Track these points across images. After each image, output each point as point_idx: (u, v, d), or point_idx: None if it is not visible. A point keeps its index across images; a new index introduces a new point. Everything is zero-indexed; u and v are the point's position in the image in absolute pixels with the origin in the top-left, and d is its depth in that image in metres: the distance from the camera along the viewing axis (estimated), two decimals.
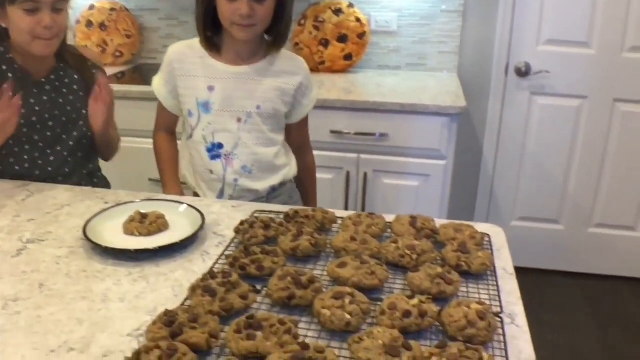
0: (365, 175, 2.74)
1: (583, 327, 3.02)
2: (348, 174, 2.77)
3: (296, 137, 2.02)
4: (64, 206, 1.68)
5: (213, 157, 1.85)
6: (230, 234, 1.50)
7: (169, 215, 1.57)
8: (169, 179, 2.00)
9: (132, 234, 1.50)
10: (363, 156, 2.74)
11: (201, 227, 1.50)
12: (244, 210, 1.66)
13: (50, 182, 1.86)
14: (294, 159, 2.00)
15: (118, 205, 1.63)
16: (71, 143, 1.92)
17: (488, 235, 1.48)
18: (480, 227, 1.53)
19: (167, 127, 2.01)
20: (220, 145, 1.84)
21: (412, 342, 1.02)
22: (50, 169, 1.89)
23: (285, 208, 1.62)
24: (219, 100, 1.81)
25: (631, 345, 2.87)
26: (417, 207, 2.72)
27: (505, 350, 1.06)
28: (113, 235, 1.49)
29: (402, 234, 1.42)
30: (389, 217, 1.53)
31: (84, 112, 1.91)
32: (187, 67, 1.83)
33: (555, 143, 3.23)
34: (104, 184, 2.09)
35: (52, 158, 1.89)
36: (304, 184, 2.09)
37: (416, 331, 1.10)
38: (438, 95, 2.76)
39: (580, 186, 3.28)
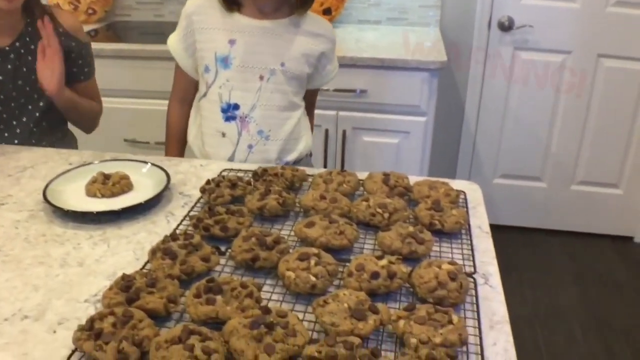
0: (344, 132, 2.68)
1: (564, 284, 3.01)
2: (327, 131, 2.70)
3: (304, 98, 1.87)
4: (27, 168, 1.61)
5: (227, 119, 1.71)
6: (198, 194, 1.44)
7: (133, 175, 1.50)
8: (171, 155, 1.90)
9: (94, 195, 1.44)
10: (342, 113, 2.67)
11: (166, 187, 1.44)
12: (213, 170, 1.60)
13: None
14: (310, 131, 1.89)
15: (81, 166, 1.56)
16: (37, 114, 1.82)
17: (464, 192, 1.43)
18: (457, 184, 1.48)
19: (183, 95, 1.84)
20: (236, 106, 1.70)
21: (380, 305, 0.97)
22: (16, 141, 1.79)
23: (254, 166, 1.56)
24: (240, 55, 1.67)
25: (612, 303, 2.87)
26: (398, 165, 2.67)
27: (477, 312, 1.02)
28: (75, 197, 1.43)
29: (375, 191, 1.37)
30: (362, 175, 1.47)
31: None
32: (207, 20, 1.69)
33: (539, 99, 3.18)
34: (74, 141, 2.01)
35: (17, 130, 1.79)
36: None
37: (385, 293, 1.05)
38: (418, 50, 2.69)
39: (563, 143, 3.24)
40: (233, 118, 1.71)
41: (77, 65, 1.85)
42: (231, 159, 1.74)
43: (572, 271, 3.12)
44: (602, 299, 2.90)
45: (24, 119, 1.81)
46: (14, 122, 1.79)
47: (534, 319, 2.75)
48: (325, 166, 2.76)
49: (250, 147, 1.72)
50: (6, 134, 1.79)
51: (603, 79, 3.08)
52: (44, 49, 1.68)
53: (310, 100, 1.90)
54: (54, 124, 1.90)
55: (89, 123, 2.00)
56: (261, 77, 1.68)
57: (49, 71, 1.70)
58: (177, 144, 1.89)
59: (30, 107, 1.81)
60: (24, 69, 1.77)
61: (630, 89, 3.08)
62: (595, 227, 3.42)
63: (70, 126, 2.01)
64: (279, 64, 1.68)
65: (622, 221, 3.38)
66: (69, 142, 1.99)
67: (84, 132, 2.03)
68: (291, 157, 1.79)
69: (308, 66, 1.73)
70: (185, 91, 1.84)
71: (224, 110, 1.71)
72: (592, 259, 3.24)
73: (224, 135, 1.72)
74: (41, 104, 1.82)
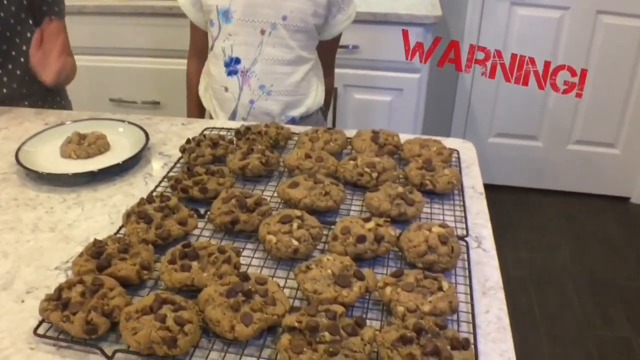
0: (336, 90, 2.60)
1: (560, 245, 2.98)
2: None
3: (320, 55, 1.80)
4: (0, 130, 1.54)
5: (230, 73, 1.67)
6: (178, 154, 1.37)
7: (110, 135, 1.44)
8: (191, 114, 1.89)
9: (69, 156, 1.38)
10: (336, 70, 2.58)
11: (145, 147, 1.37)
12: (195, 128, 1.53)
13: (9, 106, 1.69)
14: (323, 85, 1.82)
15: (56, 126, 1.49)
16: (22, 59, 1.71)
17: (457, 151, 1.37)
18: (450, 142, 1.42)
19: (199, 49, 1.81)
20: (237, 60, 1.65)
21: (365, 271, 0.92)
22: (4, 90, 1.69)
23: (237, 124, 1.49)
24: (240, 9, 1.61)
25: (608, 264, 2.84)
26: (391, 123, 2.60)
27: (469, 277, 0.96)
28: (49, 159, 1.37)
29: (363, 150, 1.30)
30: (350, 133, 1.40)
31: (27, 20, 1.70)
32: None
33: (536, 56, 3.08)
34: (68, 102, 1.92)
35: (5, 79, 1.68)
36: None
37: (371, 258, 1.00)
38: (412, 4, 2.59)
39: (559, 102, 3.17)
40: (235, 72, 1.67)
41: (47, 3, 1.74)
42: (233, 114, 1.71)
43: (568, 232, 3.08)
44: (598, 260, 2.87)
45: (10, 66, 1.69)
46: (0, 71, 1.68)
47: (528, 280, 2.71)
48: None
49: (251, 102, 1.68)
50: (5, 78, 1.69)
51: (602, 36, 2.99)
52: (40, 40, 1.60)
53: (324, 57, 1.83)
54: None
55: (68, 82, 1.89)
56: (262, 31, 1.62)
57: (45, 65, 1.62)
58: (196, 99, 1.87)
59: (13, 52, 1.69)
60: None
61: (629, 46, 2.99)
62: (591, 187, 3.36)
63: None
64: (280, 18, 1.61)
65: (618, 181, 3.33)
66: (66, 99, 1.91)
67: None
68: (296, 112, 1.72)
69: (315, 17, 1.64)
70: (201, 45, 1.79)
71: (226, 65, 1.67)
72: (588, 219, 3.19)
73: (226, 89, 1.69)
74: (24, 47, 1.70)
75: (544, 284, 2.71)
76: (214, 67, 1.70)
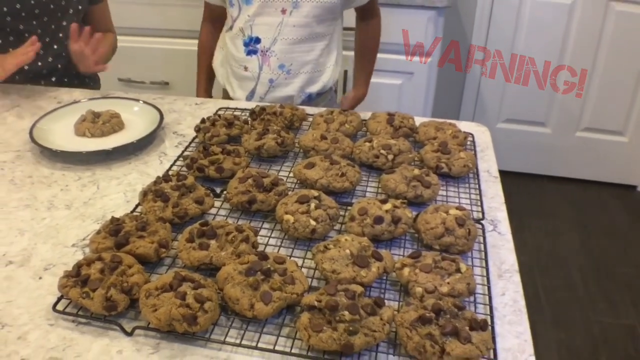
0: (345, 73, 2.59)
1: (566, 232, 2.97)
2: None
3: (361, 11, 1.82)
4: (14, 107, 1.54)
5: (249, 53, 1.67)
6: (192, 133, 1.37)
7: (124, 114, 1.44)
8: (200, 81, 1.89)
9: (83, 135, 1.38)
10: (343, 53, 2.57)
11: (159, 126, 1.37)
12: (209, 108, 1.53)
13: (40, 80, 1.69)
14: (340, 58, 1.82)
15: (70, 104, 1.49)
16: (61, 35, 1.70)
17: (472, 134, 1.36)
18: (464, 126, 1.42)
19: (214, 19, 1.83)
20: (257, 40, 1.65)
21: (383, 252, 0.92)
22: (40, 63, 1.68)
23: (252, 105, 1.49)
24: None
25: (613, 251, 2.83)
26: (400, 107, 2.58)
27: (486, 260, 0.96)
28: (63, 137, 1.37)
29: (378, 132, 1.30)
30: (365, 115, 1.40)
31: None
32: None
33: (546, 42, 3.07)
34: (95, 83, 1.91)
35: (41, 52, 1.66)
36: (361, 58, 1.92)
37: (388, 239, 1.00)
38: None
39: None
40: (254, 52, 1.67)
41: None
42: (252, 93, 1.71)
43: (574, 219, 3.08)
44: (604, 247, 2.86)
45: (47, 39, 1.68)
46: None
47: (534, 266, 2.72)
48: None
49: (271, 81, 1.68)
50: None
51: (613, 24, 2.96)
52: (76, 30, 1.57)
53: (368, 5, 1.81)
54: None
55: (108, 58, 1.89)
56: (283, 11, 1.61)
57: (83, 58, 1.62)
58: (207, 70, 1.87)
59: (53, 26, 1.69)
60: None
61: None
62: (598, 174, 3.35)
63: None
64: None
65: (626, 170, 3.31)
66: (94, 79, 1.92)
67: None
68: (314, 88, 1.73)
69: None
70: (217, 15, 1.80)
71: (245, 44, 1.67)
72: (595, 207, 3.19)
73: (246, 69, 1.69)
74: (64, 23, 1.69)
75: (549, 270, 2.71)
76: (232, 46, 1.70)
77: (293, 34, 1.63)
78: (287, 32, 1.62)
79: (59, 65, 1.72)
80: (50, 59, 1.70)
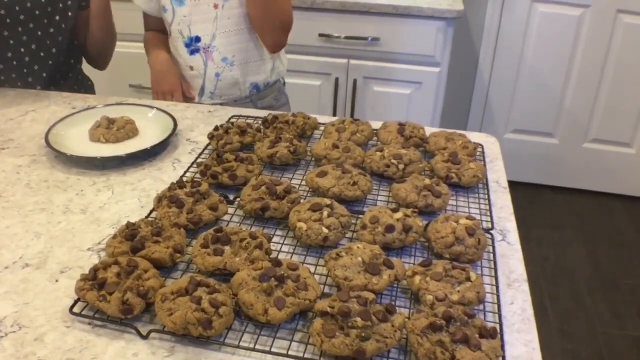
0: (355, 82, 2.61)
1: (573, 243, 2.98)
2: (337, 80, 2.63)
3: None
4: (28, 112, 1.56)
5: (192, 52, 1.73)
6: (205, 140, 1.39)
7: (139, 120, 1.45)
8: (153, 50, 1.83)
9: (98, 140, 1.39)
10: (353, 61, 2.60)
11: (173, 133, 1.39)
12: (221, 116, 1.55)
13: (26, 88, 1.70)
14: (284, 55, 1.88)
15: (85, 110, 1.51)
16: (48, 42, 1.69)
17: (481, 145, 1.38)
18: (474, 136, 1.43)
19: (152, 29, 1.87)
20: (197, 39, 1.71)
21: (394, 260, 0.93)
22: (25, 70, 1.68)
23: (264, 113, 1.51)
24: None
25: (620, 263, 2.84)
26: (409, 116, 2.61)
27: (495, 269, 0.98)
28: (78, 142, 1.39)
29: (389, 142, 1.31)
30: (376, 124, 1.42)
31: (61, 4, 1.68)
32: None
33: (554, 53, 3.08)
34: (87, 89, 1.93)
35: (27, 59, 1.67)
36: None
37: (399, 247, 1.01)
38: None
39: (577, 99, 3.16)
40: (197, 50, 1.73)
41: None
42: (202, 90, 1.77)
43: (581, 230, 3.09)
44: (610, 259, 2.87)
45: (42, 54, 1.69)
46: (27, 59, 1.67)
47: (541, 277, 2.73)
48: (334, 115, 2.70)
49: (217, 75, 1.75)
50: (24, 70, 1.69)
51: (621, 36, 2.98)
52: None
53: None
54: (75, 58, 1.84)
55: (109, 42, 1.89)
56: (215, 6, 1.68)
57: None
58: (156, 45, 1.84)
59: (51, 37, 1.69)
60: None
61: None
62: (605, 186, 3.36)
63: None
64: None
65: (633, 181, 3.32)
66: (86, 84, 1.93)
67: (98, 67, 1.95)
68: (259, 78, 1.79)
69: None
70: (155, 27, 1.84)
71: (187, 45, 1.73)
72: (601, 218, 3.20)
73: (192, 68, 1.75)
74: (51, 29, 1.69)
75: (556, 280, 2.72)
76: (175, 50, 1.77)
77: (229, 26, 1.70)
78: (224, 25, 1.69)
79: (44, 75, 1.72)
80: (36, 67, 1.70)
